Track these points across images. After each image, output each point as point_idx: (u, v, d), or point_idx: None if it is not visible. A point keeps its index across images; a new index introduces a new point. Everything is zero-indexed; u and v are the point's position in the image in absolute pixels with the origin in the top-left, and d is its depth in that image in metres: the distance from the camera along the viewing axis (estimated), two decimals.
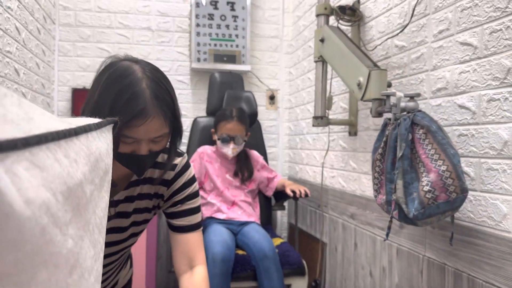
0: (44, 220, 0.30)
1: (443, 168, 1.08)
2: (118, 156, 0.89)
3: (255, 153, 2.41)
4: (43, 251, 0.30)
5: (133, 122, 0.84)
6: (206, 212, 2.26)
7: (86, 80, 2.71)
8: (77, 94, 2.66)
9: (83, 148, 0.40)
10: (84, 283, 0.42)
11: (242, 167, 2.29)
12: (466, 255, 1.21)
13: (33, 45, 2.18)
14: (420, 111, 1.19)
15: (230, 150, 2.20)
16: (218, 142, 2.22)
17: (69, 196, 0.35)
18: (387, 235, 1.25)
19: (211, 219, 2.21)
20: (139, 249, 2.32)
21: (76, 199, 0.37)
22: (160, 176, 1.05)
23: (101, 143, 0.48)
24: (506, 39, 1.09)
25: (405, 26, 1.51)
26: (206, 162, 2.29)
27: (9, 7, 1.84)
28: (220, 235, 1.99)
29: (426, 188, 1.10)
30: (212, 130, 2.30)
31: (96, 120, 0.49)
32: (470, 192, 1.20)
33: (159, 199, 1.10)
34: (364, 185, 1.83)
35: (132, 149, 0.89)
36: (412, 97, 1.22)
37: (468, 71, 1.22)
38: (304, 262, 2.05)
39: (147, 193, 1.07)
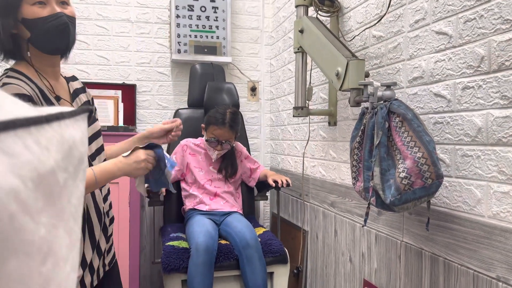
0: (12, 207, 0.30)
1: (419, 155, 1.10)
2: (41, 29, 1.03)
3: (238, 144, 2.42)
4: (12, 239, 0.30)
5: None
6: (188, 203, 2.26)
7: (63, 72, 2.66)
8: None
9: (55, 135, 0.40)
10: (59, 272, 0.42)
11: (227, 165, 2.29)
12: (442, 240, 1.24)
13: None
14: (396, 99, 1.21)
15: (215, 154, 2.22)
16: (206, 142, 2.22)
17: (40, 183, 0.35)
18: (365, 221, 1.27)
19: (194, 210, 2.21)
20: (123, 241, 2.31)
21: (48, 187, 0.37)
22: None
23: (75, 132, 0.47)
24: (480, 28, 1.12)
25: (382, 17, 1.52)
26: (189, 155, 2.30)
27: None
28: (203, 225, 2.00)
29: (402, 175, 1.12)
30: (203, 125, 2.28)
31: (69, 109, 0.49)
32: (445, 178, 1.23)
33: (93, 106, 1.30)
34: (344, 174, 1.86)
35: (47, 13, 1.03)
36: (388, 86, 1.24)
37: (444, 60, 1.25)
38: (286, 250, 2.07)
39: (86, 100, 1.26)
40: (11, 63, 1.13)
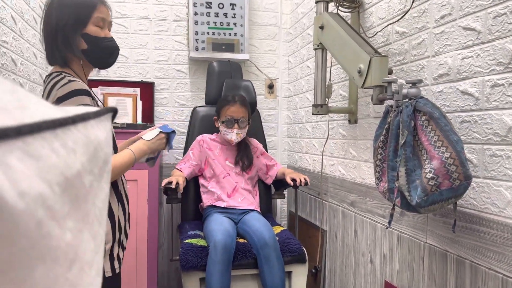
0: (40, 213, 0.28)
1: (447, 155, 1.07)
2: (98, 46, 1.26)
3: (254, 140, 2.42)
4: (40, 246, 0.29)
5: (98, 6, 1.27)
6: (207, 200, 2.25)
7: None
8: None
9: (81, 137, 0.38)
10: (84, 277, 0.41)
11: (243, 156, 2.30)
12: (469, 242, 1.20)
13: (29, 35, 2.15)
14: (422, 97, 1.17)
15: (234, 135, 2.21)
16: (222, 126, 2.23)
17: (67, 187, 0.34)
18: (390, 223, 1.24)
19: (212, 207, 2.21)
20: (141, 238, 2.31)
21: (74, 190, 0.36)
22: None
23: (100, 132, 0.46)
24: (511, 23, 1.07)
25: (406, 12, 1.48)
26: (206, 149, 2.30)
27: None
28: (221, 224, 1.99)
29: (429, 175, 1.09)
30: (215, 117, 2.31)
31: (94, 109, 0.48)
32: (473, 179, 1.19)
33: None
34: (364, 173, 1.82)
35: (104, 34, 1.28)
36: (414, 84, 1.21)
37: (471, 56, 1.21)
38: (304, 249, 2.05)
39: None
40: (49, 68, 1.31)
